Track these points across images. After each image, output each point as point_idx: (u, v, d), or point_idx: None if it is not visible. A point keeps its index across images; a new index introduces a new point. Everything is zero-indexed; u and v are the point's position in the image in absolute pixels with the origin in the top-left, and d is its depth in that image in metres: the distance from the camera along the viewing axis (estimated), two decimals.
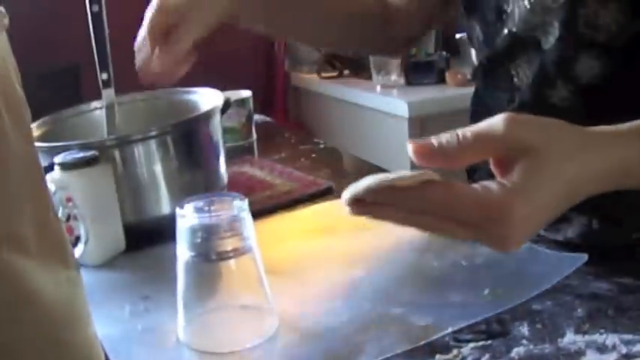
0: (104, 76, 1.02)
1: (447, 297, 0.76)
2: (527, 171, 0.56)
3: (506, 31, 0.88)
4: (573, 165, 0.57)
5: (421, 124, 2.08)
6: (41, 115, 1.11)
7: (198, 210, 0.70)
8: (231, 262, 0.71)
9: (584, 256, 0.79)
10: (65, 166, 0.89)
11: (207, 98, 1.13)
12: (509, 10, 0.88)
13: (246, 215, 0.72)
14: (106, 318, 0.80)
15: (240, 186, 1.12)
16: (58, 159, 0.90)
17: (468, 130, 0.58)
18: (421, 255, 0.85)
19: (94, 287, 0.88)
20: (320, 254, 0.90)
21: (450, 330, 0.70)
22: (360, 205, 0.58)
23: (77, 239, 0.90)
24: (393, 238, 0.90)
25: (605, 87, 0.80)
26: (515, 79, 0.89)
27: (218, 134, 1.07)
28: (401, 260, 0.86)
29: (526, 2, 0.85)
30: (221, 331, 0.74)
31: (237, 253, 0.71)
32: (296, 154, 1.33)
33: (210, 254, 0.70)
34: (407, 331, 0.71)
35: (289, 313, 0.76)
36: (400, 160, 2.08)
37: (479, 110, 0.99)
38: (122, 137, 0.99)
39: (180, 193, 1.00)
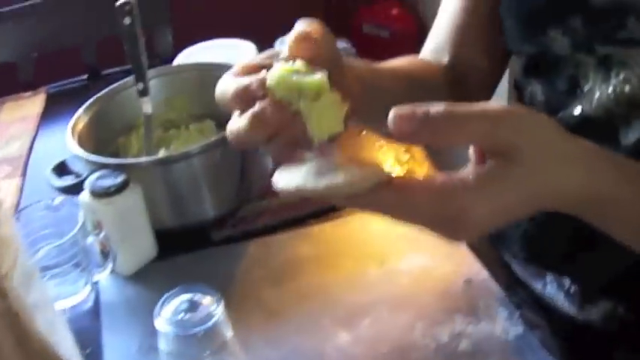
0: (140, 86, 1.04)
1: None
2: (497, 173, 0.54)
3: (579, 109, 0.80)
4: (546, 179, 0.55)
5: None
6: None
7: (175, 317, 0.76)
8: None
9: None
10: (94, 194, 0.96)
11: None
12: (585, 89, 0.79)
13: (222, 316, 0.77)
14: (117, 353, 0.90)
15: None
16: (87, 184, 0.96)
17: (460, 108, 0.53)
18: (410, 329, 0.87)
19: (117, 304, 0.98)
20: (316, 299, 0.94)
21: None
22: None
23: (109, 253, 0.99)
24: (388, 293, 0.92)
25: None
26: None
27: None
28: (385, 332, 0.88)
29: (610, 89, 0.76)
30: None
31: (213, 351, 0.77)
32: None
33: (185, 357, 0.77)
34: None
35: None
36: None
37: None
38: (158, 160, 1.03)
39: (222, 198, 1.06)
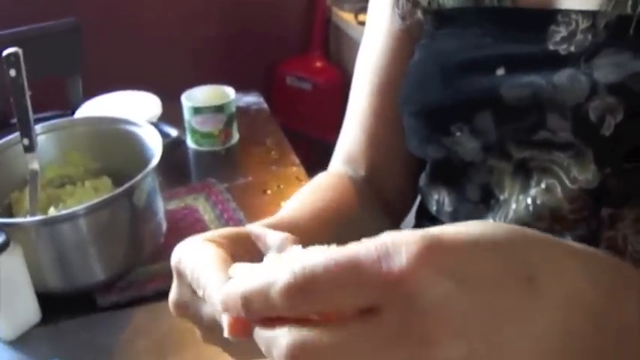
0: (25, 141, 1.00)
1: None
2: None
3: (490, 221, 0.67)
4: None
5: None
6: None
7: None
8: None
9: None
10: None
11: (151, 136, 1.11)
12: (501, 199, 0.67)
13: None
14: None
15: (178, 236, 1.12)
16: None
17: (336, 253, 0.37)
18: None
19: None
20: None
21: None
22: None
23: None
24: None
25: None
26: None
27: (154, 194, 1.06)
28: None
29: (529, 200, 0.63)
30: None
31: None
32: (262, 182, 1.30)
33: None
34: None
35: None
36: None
37: None
38: (42, 220, 0.98)
39: (110, 261, 1.02)
